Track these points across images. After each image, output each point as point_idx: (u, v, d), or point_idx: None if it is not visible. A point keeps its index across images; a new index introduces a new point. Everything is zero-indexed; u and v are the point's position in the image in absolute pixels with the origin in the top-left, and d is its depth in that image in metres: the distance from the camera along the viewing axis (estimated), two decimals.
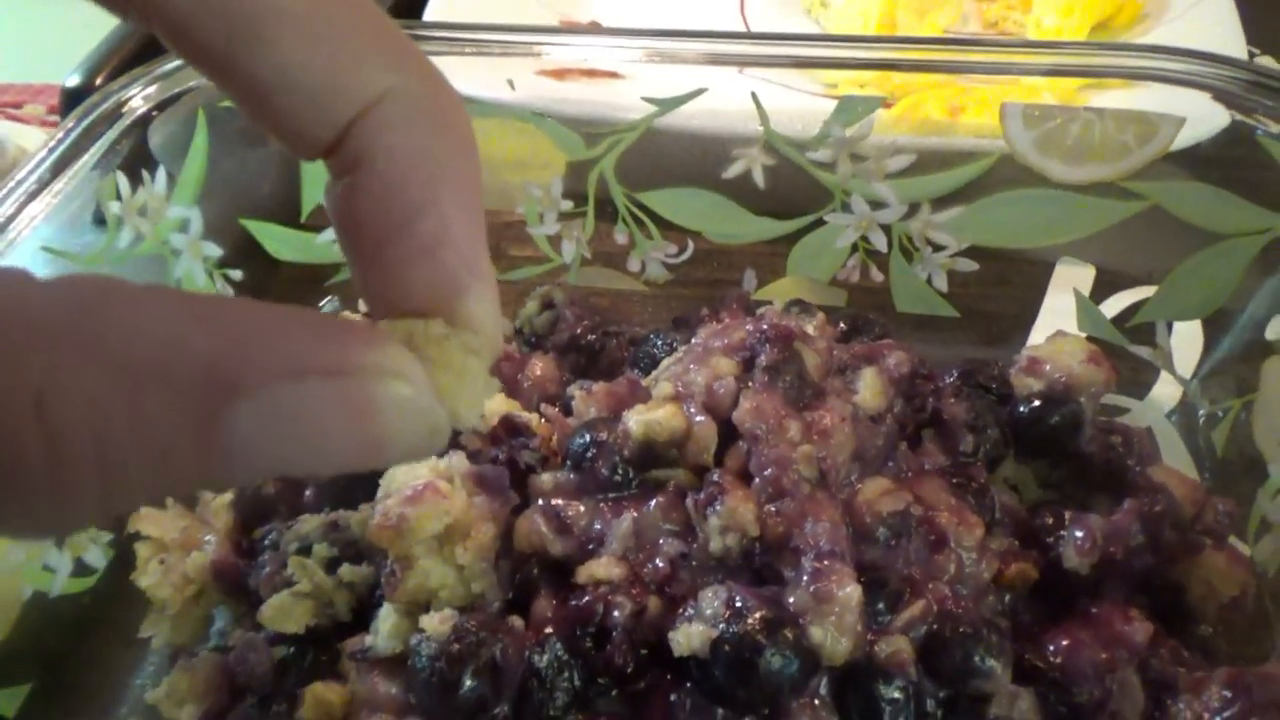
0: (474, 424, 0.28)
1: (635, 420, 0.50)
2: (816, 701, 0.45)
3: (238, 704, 0.52)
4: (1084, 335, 0.63)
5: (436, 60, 0.31)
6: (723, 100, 0.66)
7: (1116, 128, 0.62)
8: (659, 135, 0.68)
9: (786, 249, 0.70)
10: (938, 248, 0.68)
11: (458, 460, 0.51)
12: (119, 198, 0.65)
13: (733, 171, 0.68)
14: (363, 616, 0.52)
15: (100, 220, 0.64)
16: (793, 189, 0.68)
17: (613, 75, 0.69)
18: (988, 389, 0.58)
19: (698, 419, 0.50)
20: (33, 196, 0.60)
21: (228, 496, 0.60)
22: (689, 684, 0.46)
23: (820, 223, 0.69)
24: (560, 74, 0.69)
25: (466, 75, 0.65)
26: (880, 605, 0.47)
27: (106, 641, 0.61)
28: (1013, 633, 0.48)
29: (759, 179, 0.68)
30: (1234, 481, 0.61)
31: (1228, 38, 0.88)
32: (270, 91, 0.28)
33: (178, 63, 0.66)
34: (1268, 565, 0.57)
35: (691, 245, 0.72)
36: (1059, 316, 0.68)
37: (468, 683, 0.45)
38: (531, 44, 0.68)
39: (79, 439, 0.22)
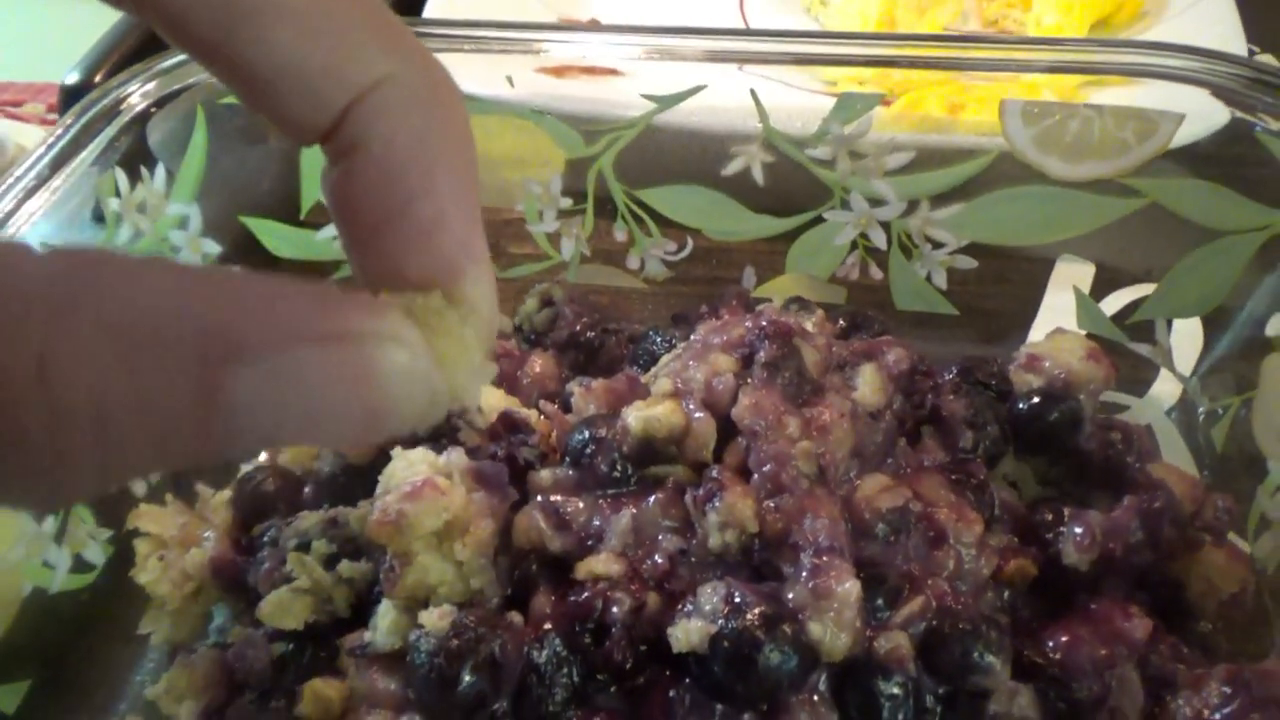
0: (473, 401, 0.28)
1: (634, 417, 0.50)
2: (815, 697, 0.45)
3: (236, 700, 0.52)
4: (1083, 332, 0.63)
5: (436, 57, 0.31)
6: (722, 97, 0.66)
7: (1116, 125, 0.62)
8: (658, 132, 0.68)
9: (786, 246, 0.70)
10: (937, 245, 0.68)
11: (457, 456, 0.51)
12: (118, 194, 0.65)
13: (732, 169, 0.68)
14: (362, 613, 0.52)
15: (99, 217, 0.64)
16: (792, 186, 0.68)
17: (612, 72, 0.69)
18: (987, 386, 0.58)
19: (697, 415, 0.50)
20: (31, 193, 0.60)
21: (227, 494, 0.60)
22: (688, 680, 0.46)
23: (819, 220, 0.68)
24: (560, 71, 0.69)
25: (466, 72, 0.65)
26: (879, 601, 0.47)
27: (106, 638, 0.61)
28: (1012, 629, 0.48)
29: (758, 176, 0.68)
30: (1233, 478, 0.61)
31: (1227, 35, 0.88)
32: (266, 78, 0.28)
33: (177, 59, 0.66)
34: (1267, 562, 0.57)
35: (691, 242, 0.72)
36: (1058, 314, 0.68)
37: (467, 678, 0.45)
38: (531, 41, 0.68)
39: (79, 407, 0.21)
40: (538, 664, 0.46)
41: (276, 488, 0.58)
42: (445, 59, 0.31)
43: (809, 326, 0.55)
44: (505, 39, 0.67)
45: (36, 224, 0.60)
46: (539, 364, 0.65)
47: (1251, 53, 0.90)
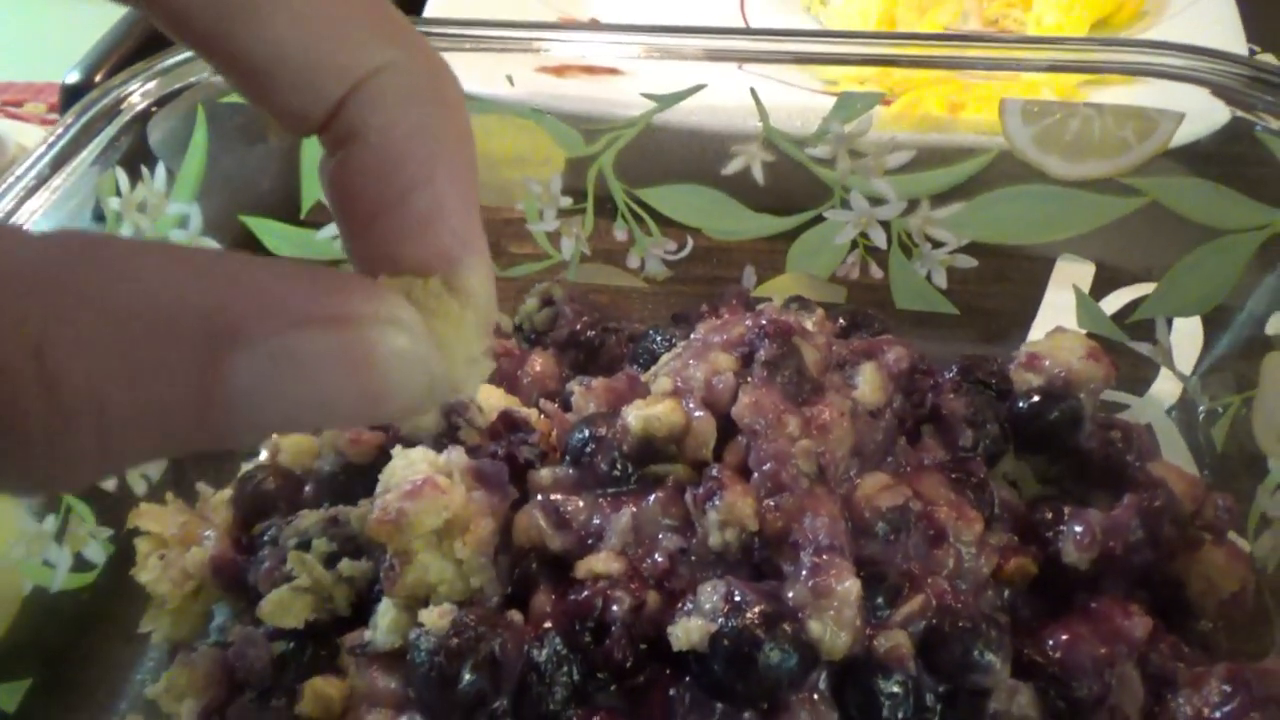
0: (471, 390, 0.28)
1: (634, 416, 0.50)
2: (815, 696, 0.45)
3: (237, 699, 0.52)
4: (1084, 331, 0.63)
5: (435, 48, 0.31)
6: (722, 96, 0.66)
7: (1116, 124, 0.62)
8: (658, 132, 0.68)
9: (786, 245, 0.70)
10: (937, 244, 0.68)
11: (457, 455, 0.51)
12: (118, 194, 0.65)
13: (732, 168, 0.68)
14: (362, 611, 0.52)
15: (99, 216, 0.64)
16: (792, 185, 0.68)
17: (612, 71, 0.69)
18: (987, 384, 0.58)
19: (697, 414, 0.50)
20: (32, 192, 0.60)
21: (227, 492, 0.60)
22: (688, 678, 0.46)
23: (819, 219, 0.68)
24: (560, 70, 0.69)
25: (466, 71, 0.64)
26: (879, 600, 0.47)
27: (106, 637, 0.61)
28: (1012, 628, 0.48)
29: (758, 175, 0.68)
30: (1234, 477, 0.61)
31: (1227, 34, 0.88)
32: (264, 69, 0.28)
33: (177, 59, 0.66)
34: (1267, 561, 0.57)
35: (691, 242, 0.72)
36: (1059, 313, 0.68)
37: (467, 677, 0.45)
38: (531, 40, 0.68)
39: (78, 393, 0.21)
40: (538, 662, 0.46)
41: (277, 486, 0.58)
42: (445, 58, 0.31)
43: (809, 325, 0.55)
44: (505, 38, 0.67)
45: (37, 223, 0.60)
46: (539, 363, 0.65)
47: (1251, 52, 0.90)
